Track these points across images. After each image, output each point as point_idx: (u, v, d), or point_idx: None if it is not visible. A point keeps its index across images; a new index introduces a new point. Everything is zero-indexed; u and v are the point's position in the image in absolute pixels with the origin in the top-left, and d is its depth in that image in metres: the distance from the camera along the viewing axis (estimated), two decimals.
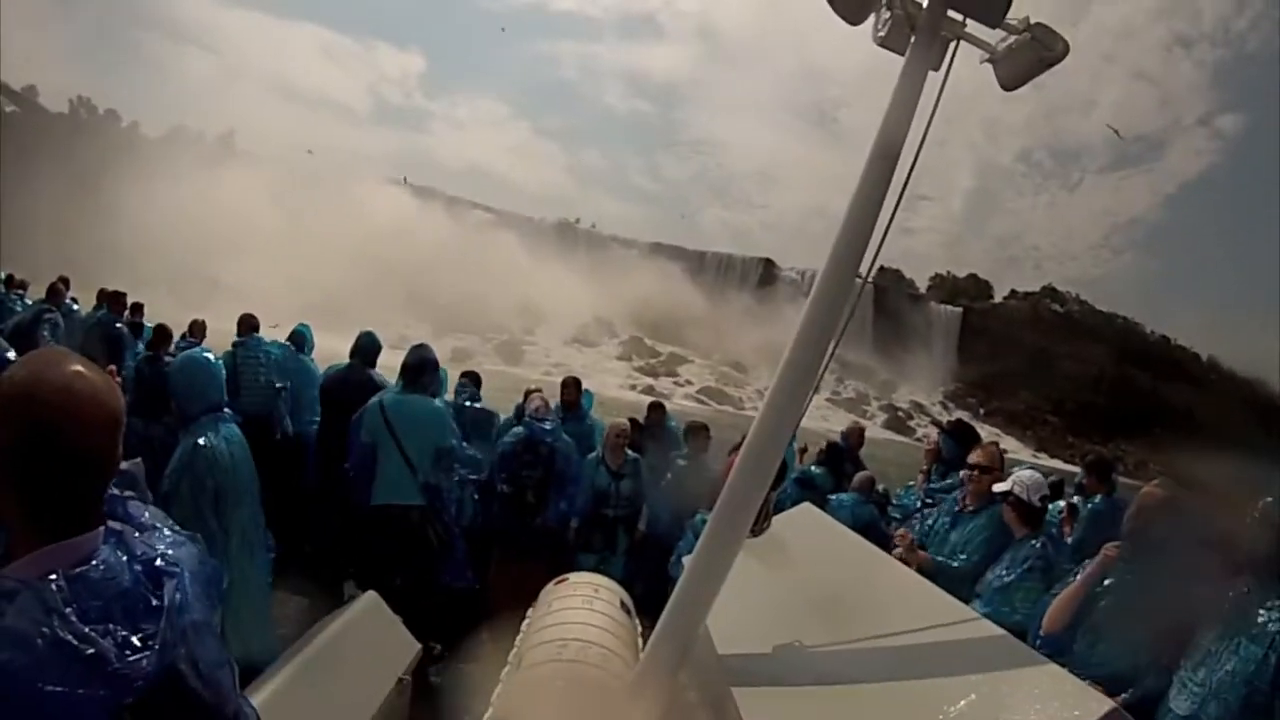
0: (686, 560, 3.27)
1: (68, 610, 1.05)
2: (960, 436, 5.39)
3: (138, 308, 9.28)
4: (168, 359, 6.39)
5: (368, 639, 3.37)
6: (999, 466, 4.22)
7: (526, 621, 3.48)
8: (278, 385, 6.61)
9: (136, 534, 1.25)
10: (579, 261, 74.38)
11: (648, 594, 4.87)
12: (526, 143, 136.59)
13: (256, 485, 3.80)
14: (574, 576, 3.77)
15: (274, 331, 7.70)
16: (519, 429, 6.00)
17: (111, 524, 1.22)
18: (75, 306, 9.79)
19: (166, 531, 1.30)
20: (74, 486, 1.16)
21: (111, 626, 1.09)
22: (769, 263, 76.95)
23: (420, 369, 5.11)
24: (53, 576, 1.08)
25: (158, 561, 1.21)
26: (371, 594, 3.55)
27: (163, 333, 7.14)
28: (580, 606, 3.32)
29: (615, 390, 47.02)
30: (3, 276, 11.27)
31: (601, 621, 3.23)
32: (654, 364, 68.87)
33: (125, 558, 1.18)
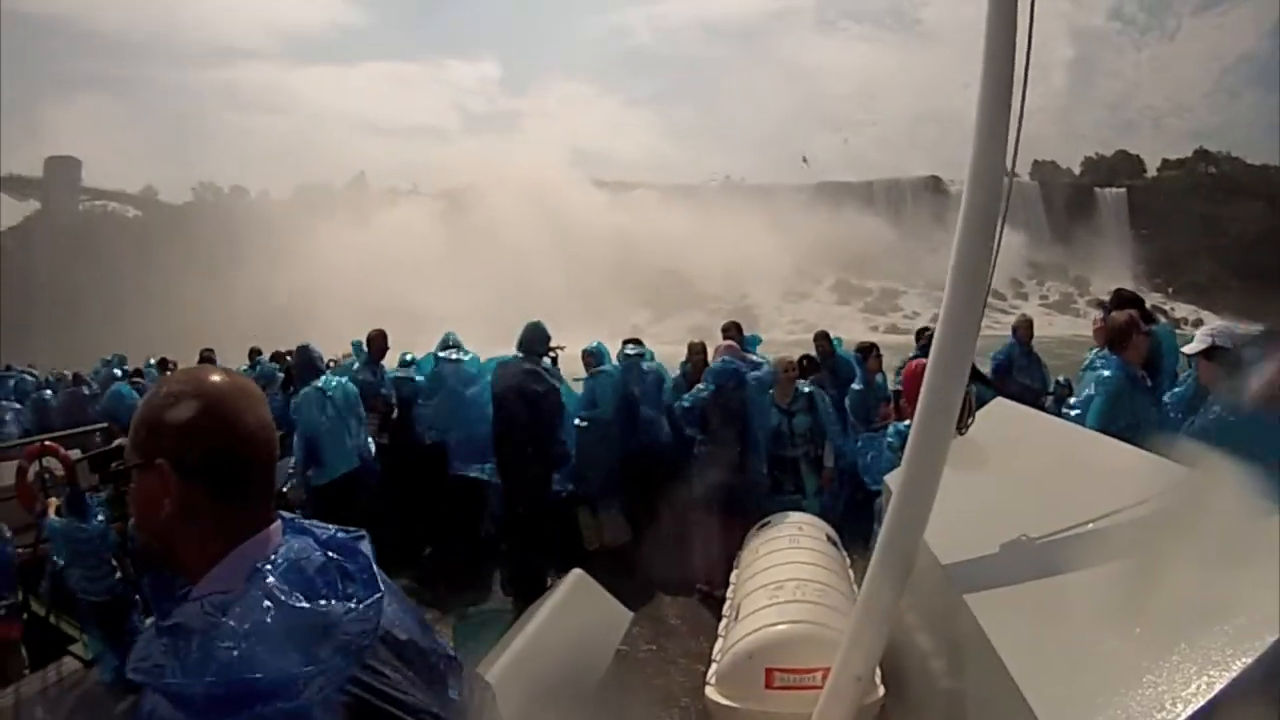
0: (889, 478, 3.15)
1: (288, 590, 1.05)
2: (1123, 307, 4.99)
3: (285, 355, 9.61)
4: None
5: (580, 615, 3.41)
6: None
7: (735, 571, 3.45)
8: None
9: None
10: (747, 216, 74.61)
11: (851, 529, 4.77)
12: (618, 115, 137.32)
13: None
14: (775, 518, 3.71)
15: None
16: (704, 386, 5.87)
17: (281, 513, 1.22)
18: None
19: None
20: (259, 476, 1.17)
21: (324, 600, 1.07)
22: (936, 180, 75.76)
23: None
24: (263, 566, 1.08)
25: (339, 534, 1.21)
26: (578, 571, 3.59)
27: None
28: (787, 547, 3.26)
29: (865, 335, 45.38)
30: (154, 361, 12.36)
31: (811, 558, 3.16)
32: (872, 302, 68.55)
33: (309, 538, 1.18)
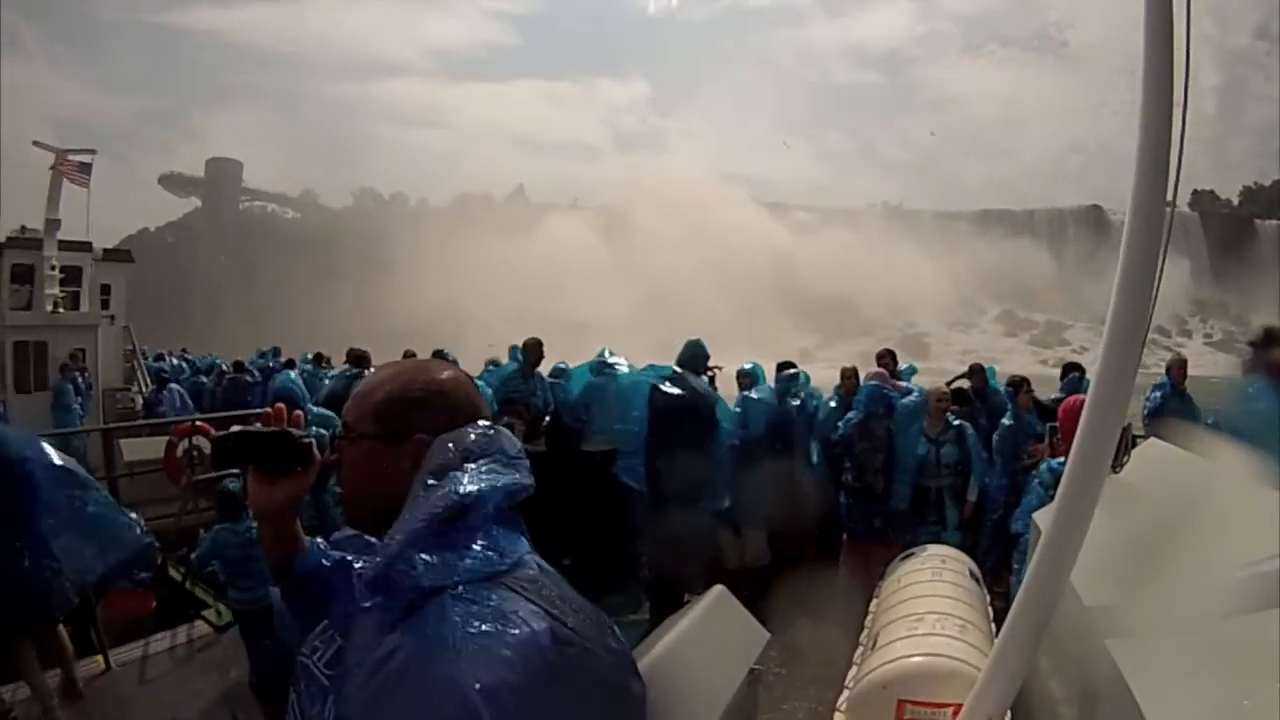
0: (1037, 515, 3.07)
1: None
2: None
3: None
4: None
5: (719, 630, 3.45)
6: None
7: (875, 600, 3.44)
8: None
9: None
10: (908, 242, 73.34)
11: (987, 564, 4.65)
12: (767, 138, 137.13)
13: None
14: (918, 550, 3.68)
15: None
16: (853, 414, 5.94)
17: None
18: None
19: None
20: None
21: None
22: (1098, 209, 72.65)
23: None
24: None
25: None
26: (720, 587, 3.64)
27: None
28: (929, 579, 3.22)
29: (1034, 368, 42.79)
30: (311, 356, 13.06)
31: (953, 592, 3.12)
32: (1038, 334, 66.32)
33: None
